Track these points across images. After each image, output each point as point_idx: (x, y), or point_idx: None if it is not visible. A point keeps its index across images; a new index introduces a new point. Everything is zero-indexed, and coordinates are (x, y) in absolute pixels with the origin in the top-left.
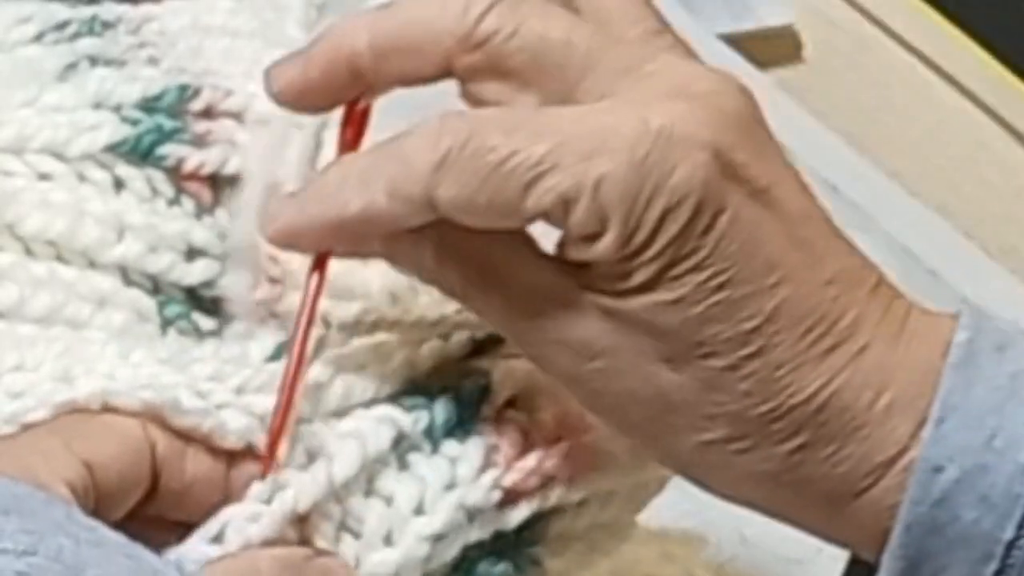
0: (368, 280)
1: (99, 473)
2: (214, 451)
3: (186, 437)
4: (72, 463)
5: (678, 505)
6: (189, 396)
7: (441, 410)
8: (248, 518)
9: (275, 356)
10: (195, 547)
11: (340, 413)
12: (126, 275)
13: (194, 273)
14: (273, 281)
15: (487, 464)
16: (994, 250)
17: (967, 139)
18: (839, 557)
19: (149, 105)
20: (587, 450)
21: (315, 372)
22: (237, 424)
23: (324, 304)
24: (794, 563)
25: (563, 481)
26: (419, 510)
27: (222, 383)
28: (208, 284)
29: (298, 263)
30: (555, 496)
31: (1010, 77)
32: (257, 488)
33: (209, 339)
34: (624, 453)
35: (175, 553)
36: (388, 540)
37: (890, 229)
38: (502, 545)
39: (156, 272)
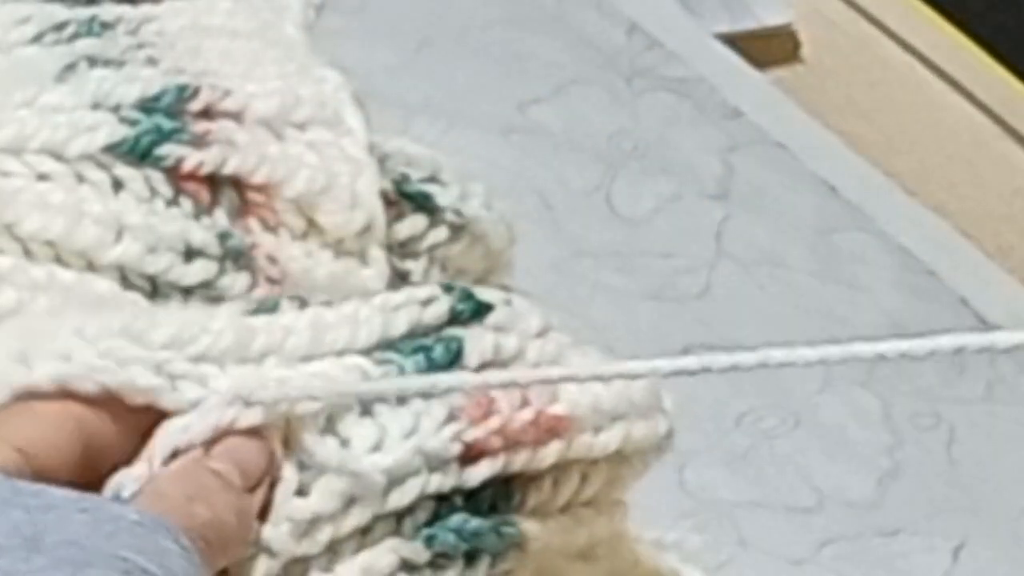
0: (367, 277)
1: (32, 459)
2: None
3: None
4: (3, 450)
5: (678, 505)
6: (144, 373)
7: (410, 368)
8: (181, 428)
9: (256, 311)
10: (140, 470)
11: (307, 359)
12: (124, 276)
13: (192, 274)
14: (272, 282)
15: (451, 420)
16: (992, 249)
17: (965, 139)
18: (839, 557)
19: (148, 105)
20: (552, 418)
21: (286, 318)
22: (193, 395)
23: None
24: (793, 563)
25: (528, 446)
26: (375, 449)
27: (180, 351)
28: (206, 285)
29: (297, 264)
30: (520, 461)
31: (1008, 77)
32: (204, 405)
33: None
34: (588, 425)
35: (120, 475)
36: (339, 469)
37: (888, 228)
38: (477, 511)
39: (154, 273)
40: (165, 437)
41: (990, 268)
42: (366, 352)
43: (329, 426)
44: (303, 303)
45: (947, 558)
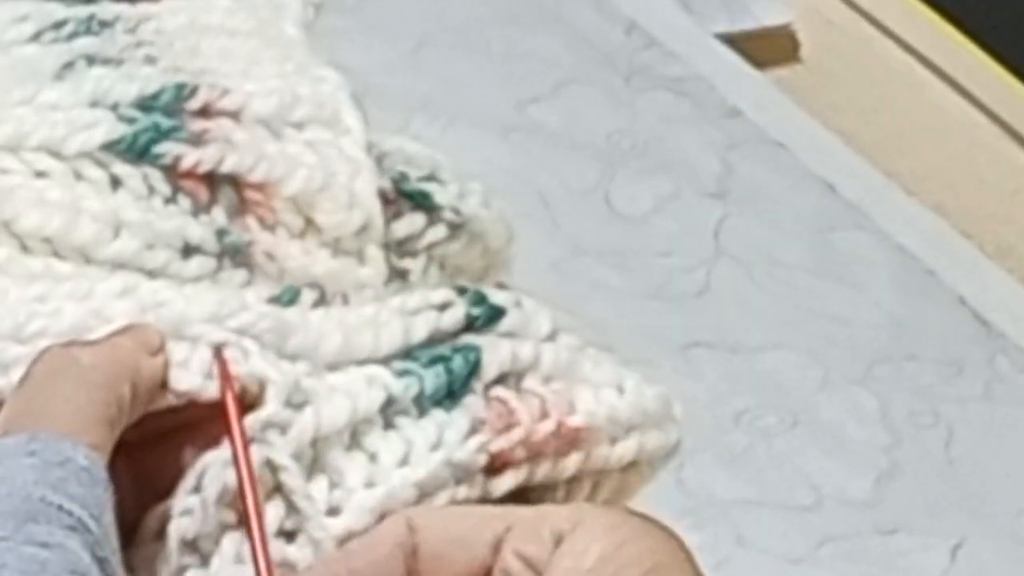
0: (364, 275)
1: None
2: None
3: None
4: None
5: (676, 503)
6: (179, 375)
7: (431, 380)
8: (225, 463)
9: (275, 299)
10: (180, 500)
11: (333, 367)
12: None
13: (190, 270)
14: (269, 279)
15: (474, 432)
16: (991, 249)
17: (964, 139)
18: (837, 556)
19: (146, 104)
20: (572, 429)
21: (316, 324)
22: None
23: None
24: (791, 562)
25: (550, 457)
26: (404, 463)
27: (220, 324)
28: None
29: (295, 262)
30: (542, 471)
31: (1008, 77)
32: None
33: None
34: (605, 436)
35: (163, 507)
36: (370, 484)
37: (887, 228)
38: None
39: (152, 269)
40: (215, 471)
41: (989, 268)
42: (386, 361)
43: (354, 442)
44: (322, 295)
45: (945, 556)
